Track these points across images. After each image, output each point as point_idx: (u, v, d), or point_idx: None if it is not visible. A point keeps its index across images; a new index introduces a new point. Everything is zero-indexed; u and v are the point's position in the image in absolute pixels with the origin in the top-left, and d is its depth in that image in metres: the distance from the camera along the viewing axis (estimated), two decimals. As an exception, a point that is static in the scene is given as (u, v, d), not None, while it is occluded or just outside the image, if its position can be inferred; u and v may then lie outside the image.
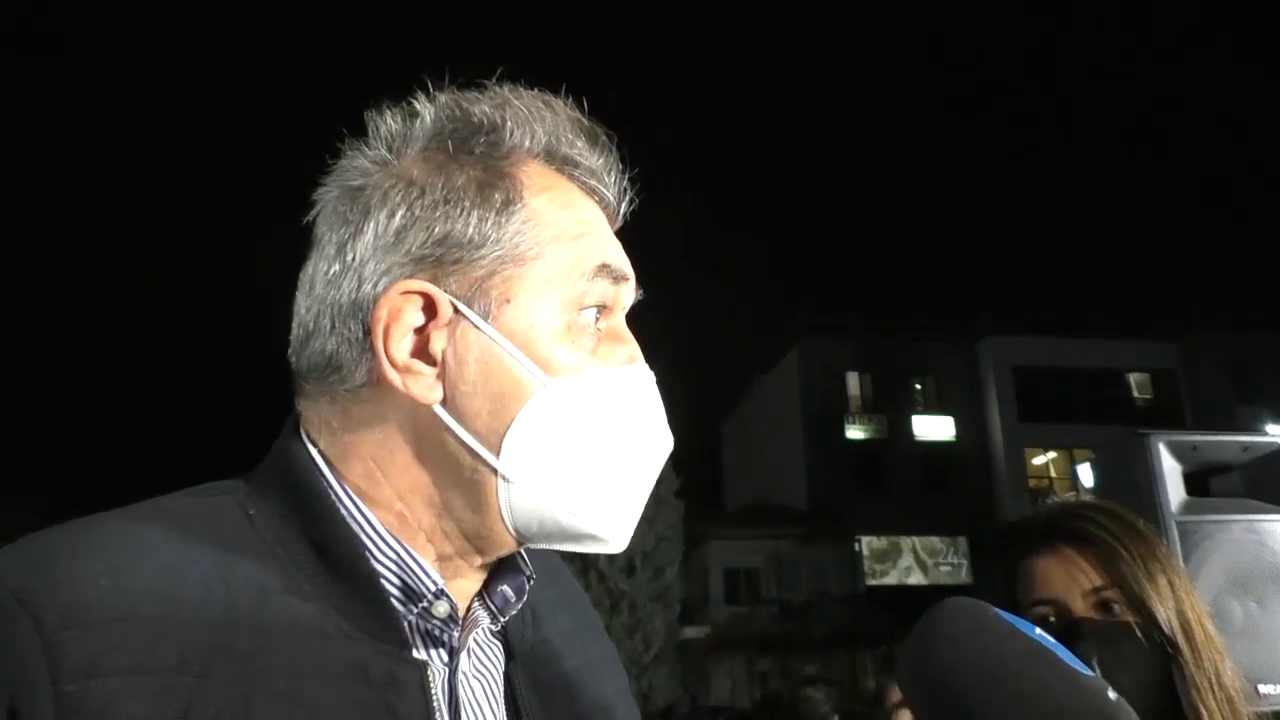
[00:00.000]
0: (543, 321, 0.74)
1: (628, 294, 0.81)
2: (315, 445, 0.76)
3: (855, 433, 32.52)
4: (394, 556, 0.74)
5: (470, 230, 0.73)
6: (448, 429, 0.73)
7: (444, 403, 0.73)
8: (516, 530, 0.75)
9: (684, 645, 21.16)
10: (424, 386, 0.73)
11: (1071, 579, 1.25)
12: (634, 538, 0.80)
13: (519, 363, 0.72)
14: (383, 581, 0.73)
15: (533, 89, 0.80)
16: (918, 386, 33.35)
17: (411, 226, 0.74)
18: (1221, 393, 31.47)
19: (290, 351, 0.79)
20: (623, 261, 0.80)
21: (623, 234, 0.84)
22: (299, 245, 0.81)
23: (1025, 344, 32.54)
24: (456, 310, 0.73)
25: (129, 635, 0.61)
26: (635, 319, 0.83)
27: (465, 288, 0.73)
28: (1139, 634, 1.20)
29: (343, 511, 0.74)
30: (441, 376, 0.73)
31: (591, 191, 0.81)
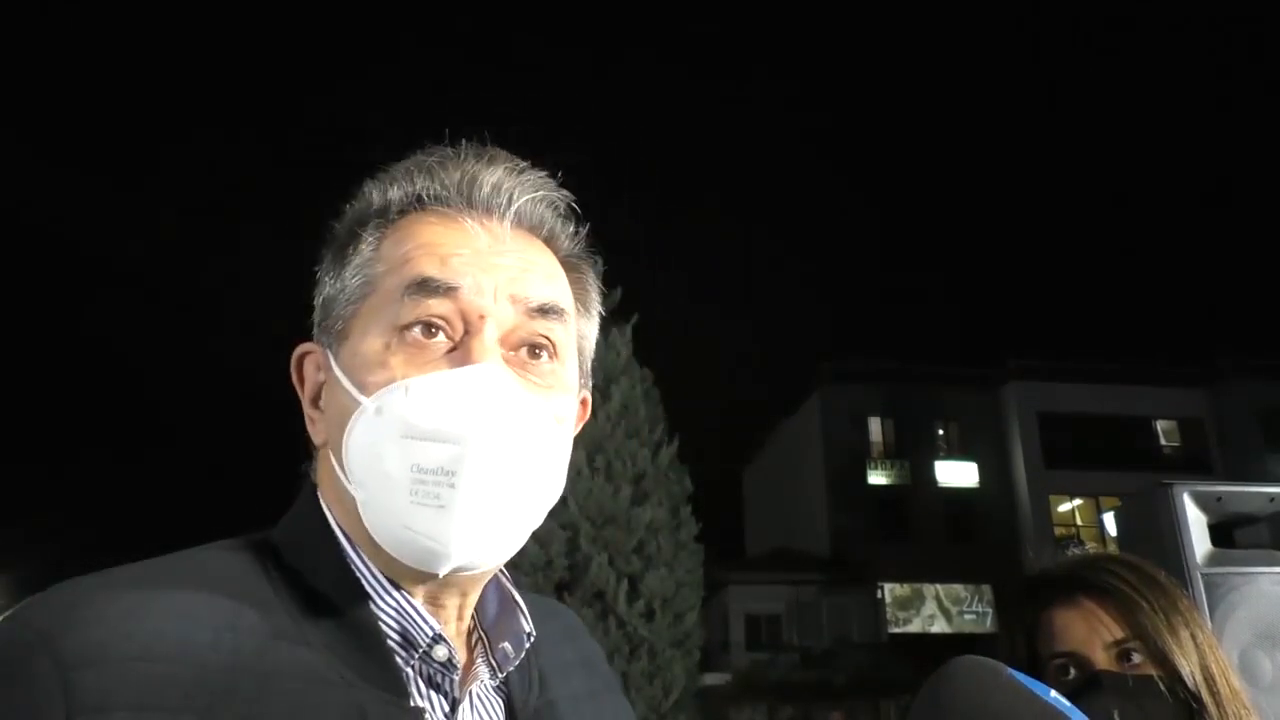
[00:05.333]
0: (365, 348, 0.79)
1: (471, 299, 0.78)
2: (324, 496, 0.83)
3: (877, 478, 32.29)
4: (394, 604, 0.78)
5: (332, 290, 0.84)
6: (332, 466, 0.81)
7: (326, 444, 0.82)
8: (390, 552, 0.76)
9: (704, 692, 20.79)
10: (316, 431, 0.84)
11: (1093, 631, 1.24)
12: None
13: (346, 390, 0.79)
14: (384, 628, 0.77)
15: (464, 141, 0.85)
16: (940, 432, 33.11)
17: (318, 301, 0.86)
18: (1251, 441, 31.05)
19: None
20: (450, 270, 0.79)
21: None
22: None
23: (1050, 390, 32.31)
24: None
25: (139, 673, 0.65)
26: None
27: (330, 339, 0.83)
28: (1162, 687, 1.18)
29: (348, 561, 0.79)
30: (324, 420, 0.83)
31: (464, 214, 0.82)
